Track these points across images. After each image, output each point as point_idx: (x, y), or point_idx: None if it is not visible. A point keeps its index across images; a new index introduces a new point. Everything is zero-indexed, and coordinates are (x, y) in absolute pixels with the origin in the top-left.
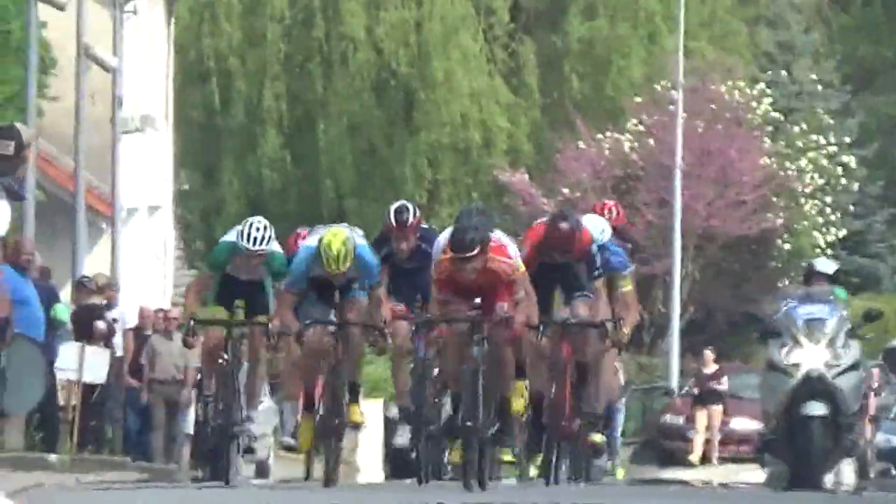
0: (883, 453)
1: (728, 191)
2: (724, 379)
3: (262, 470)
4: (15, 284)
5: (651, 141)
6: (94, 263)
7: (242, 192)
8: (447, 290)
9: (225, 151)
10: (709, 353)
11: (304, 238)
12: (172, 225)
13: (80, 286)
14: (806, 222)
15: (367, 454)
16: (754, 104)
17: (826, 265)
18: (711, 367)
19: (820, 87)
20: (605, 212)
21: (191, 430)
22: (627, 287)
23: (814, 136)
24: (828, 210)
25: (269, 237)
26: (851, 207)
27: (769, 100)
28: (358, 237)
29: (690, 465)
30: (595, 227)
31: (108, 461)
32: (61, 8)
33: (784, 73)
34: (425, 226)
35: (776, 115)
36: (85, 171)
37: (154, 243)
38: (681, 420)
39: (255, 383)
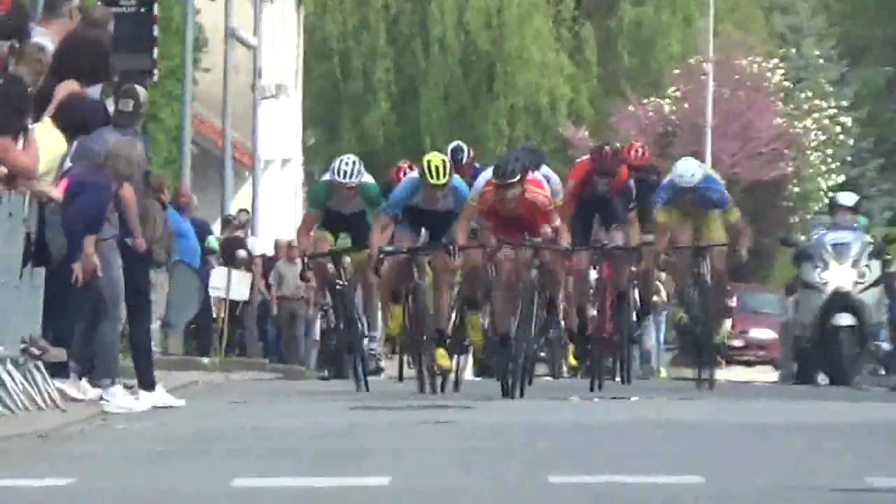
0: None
1: (748, 145)
2: (734, 298)
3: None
4: (175, 221)
5: (686, 105)
6: (238, 204)
7: (357, 147)
8: (492, 219)
9: (343, 114)
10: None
11: (404, 172)
12: (301, 174)
13: (227, 222)
14: (811, 170)
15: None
16: (769, 75)
17: (847, 198)
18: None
19: (822, 61)
20: (633, 151)
21: (317, 337)
22: (735, 217)
23: (817, 101)
24: (829, 160)
25: (359, 170)
26: (848, 158)
27: (781, 71)
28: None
29: None
30: (695, 169)
31: (250, 363)
32: None
33: (793, 50)
34: (477, 165)
35: (787, 83)
36: (231, 130)
37: (286, 189)
38: None
39: (373, 306)
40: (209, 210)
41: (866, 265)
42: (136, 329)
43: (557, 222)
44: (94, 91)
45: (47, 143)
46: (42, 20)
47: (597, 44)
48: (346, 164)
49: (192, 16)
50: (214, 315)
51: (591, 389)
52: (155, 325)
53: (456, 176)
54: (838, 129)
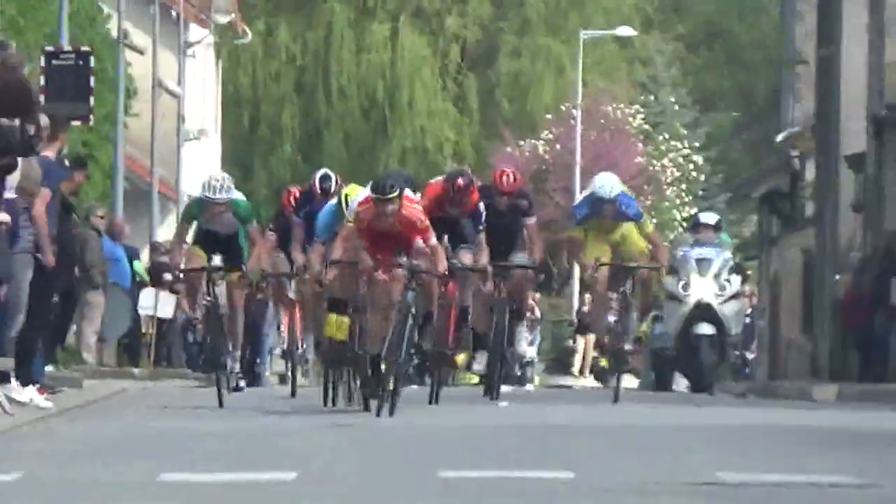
0: None
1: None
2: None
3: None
4: (109, 248)
5: (558, 146)
6: (164, 233)
7: (268, 184)
8: (367, 237)
9: (256, 155)
10: (587, 297)
11: (294, 196)
12: None
13: (154, 248)
14: (667, 203)
15: None
16: (631, 119)
17: (708, 217)
18: (588, 307)
19: (677, 108)
20: (504, 178)
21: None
22: (650, 228)
23: (673, 142)
24: (683, 195)
25: (228, 187)
26: (700, 192)
27: (642, 116)
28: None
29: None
30: (613, 183)
31: (175, 372)
32: (141, 52)
33: (652, 97)
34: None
35: (647, 127)
36: (158, 168)
37: None
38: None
39: (235, 327)
40: (139, 238)
41: (727, 279)
42: (27, 330)
43: (434, 240)
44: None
45: None
46: None
47: (478, 92)
48: (216, 180)
49: (124, 68)
50: (144, 331)
51: (430, 403)
52: (91, 340)
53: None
54: (691, 167)
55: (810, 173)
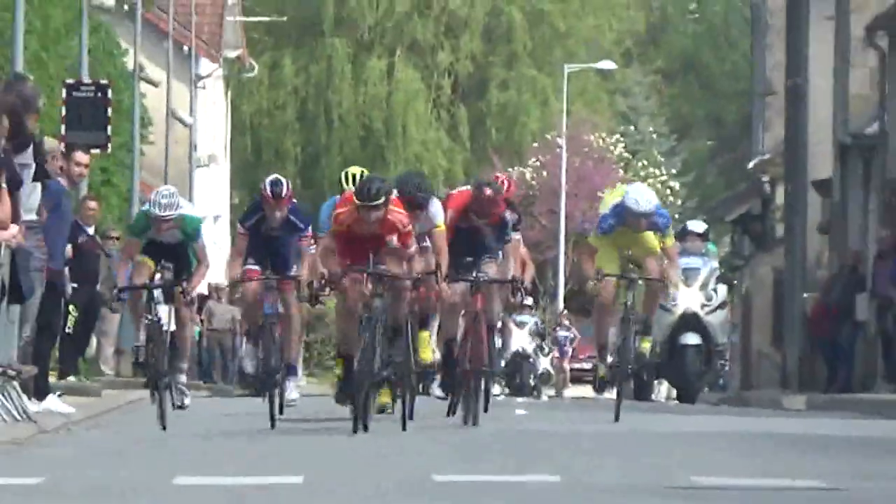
0: None
1: (595, 204)
2: (572, 329)
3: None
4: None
5: (544, 172)
6: None
7: None
8: (342, 242)
9: (261, 178)
10: (563, 315)
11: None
12: (228, 227)
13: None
14: None
15: None
16: (612, 147)
17: (697, 225)
18: (565, 323)
19: (655, 136)
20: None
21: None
22: (670, 242)
23: (651, 169)
24: None
25: (176, 203)
26: (677, 216)
27: (622, 144)
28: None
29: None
30: (649, 196)
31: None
32: (156, 85)
33: (632, 127)
34: (295, 201)
35: (627, 154)
36: None
37: (218, 240)
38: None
39: (185, 341)
40: None
41: (713, 289)
42: (39, 343)
43: (414, 247)
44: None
45: None
46: None
47: (469, 122)
48: (164, 196)
49: (139, 99)
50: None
51: (466, 423)
52: (109, 352)
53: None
54: (669, 192)
55: (780, 197)
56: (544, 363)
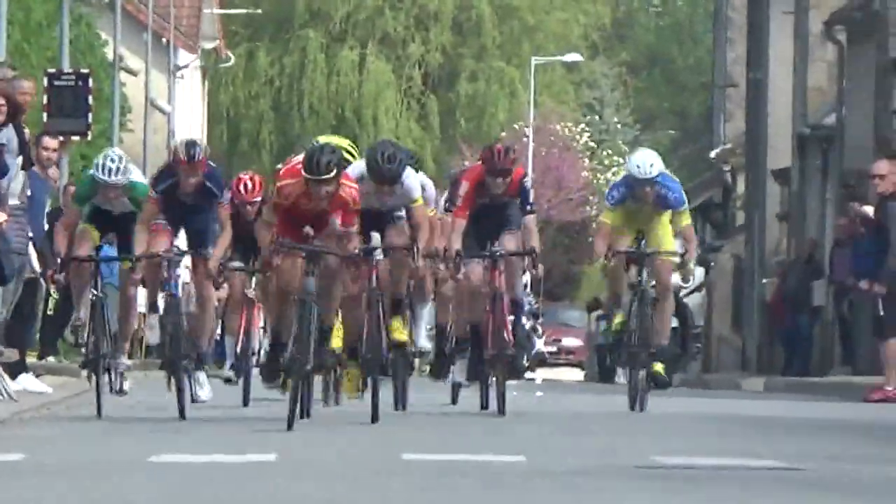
0: None
1: (561, 192)
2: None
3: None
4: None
5: None
6: None
7: None
8: (282, 216)
9: (236, 166)
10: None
11: (244, 184)
12: None
13: None
14: None
15: None
16: (578, 137)
17: None
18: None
19: (620, 126)
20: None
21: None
22: (685, 222)
23: (616, 158)
24: None
25: (125, 168)
26: None
27: (587, 134)
28: None
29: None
30: (653, 160)
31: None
32: (135, 74)
33: (597, 117)
34: (212, 164)
35: (592, 144)
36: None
37: None
38: None
39: (128, 321)
40: None
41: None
42: (14, 325)
43: (355, 226)
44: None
45: None
46: None
47: (439, 112)
48: (111, 160)
49: (119, 88)
50: (136, 326)
51: (500, 412)
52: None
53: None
54: None
55: (741, 186)
56: (539, 344)
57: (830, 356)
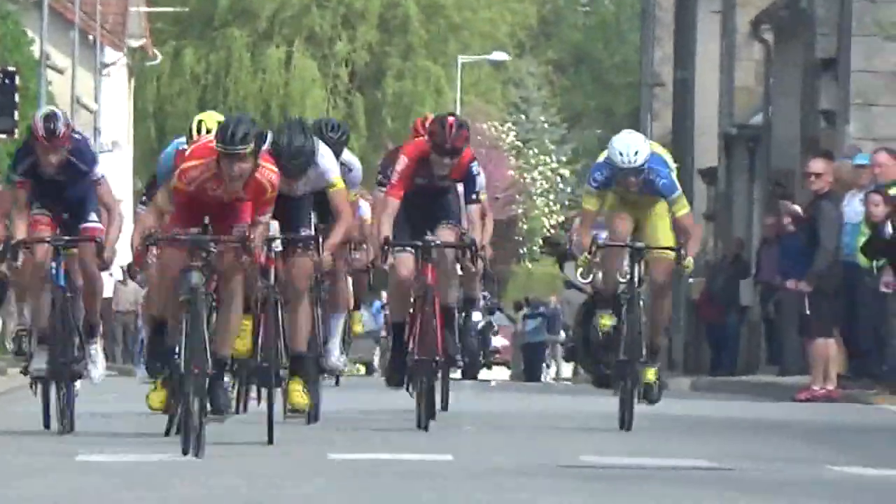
0: None
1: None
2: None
3: None
4: None
5: None
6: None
7: None
8: (181, 203)
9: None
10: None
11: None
12: (131, 211)
13: None
14: (537, 212)
15: None
16: (504, 136)
17: None
18: None
19: (546, 125)
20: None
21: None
22: (683, 211)
23: (542, 157)
24: (551, 204)
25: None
26: (567, 202)
27: (514, 133)
28: None
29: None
30: (638, 145)
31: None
32: (61, 72)
33: (524, 116)
34: (79, 136)
35: (518, 143)
36: None
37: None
38: None
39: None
40: None
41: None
42: None
43: (268, 216)
44: None
45: None
46: None
47: (365, 111)
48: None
49: (45, 86)
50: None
51: (419, 426)
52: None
53: None
54: (559, 179)
55: None
56: (495, 341)
57: (757, 355)
